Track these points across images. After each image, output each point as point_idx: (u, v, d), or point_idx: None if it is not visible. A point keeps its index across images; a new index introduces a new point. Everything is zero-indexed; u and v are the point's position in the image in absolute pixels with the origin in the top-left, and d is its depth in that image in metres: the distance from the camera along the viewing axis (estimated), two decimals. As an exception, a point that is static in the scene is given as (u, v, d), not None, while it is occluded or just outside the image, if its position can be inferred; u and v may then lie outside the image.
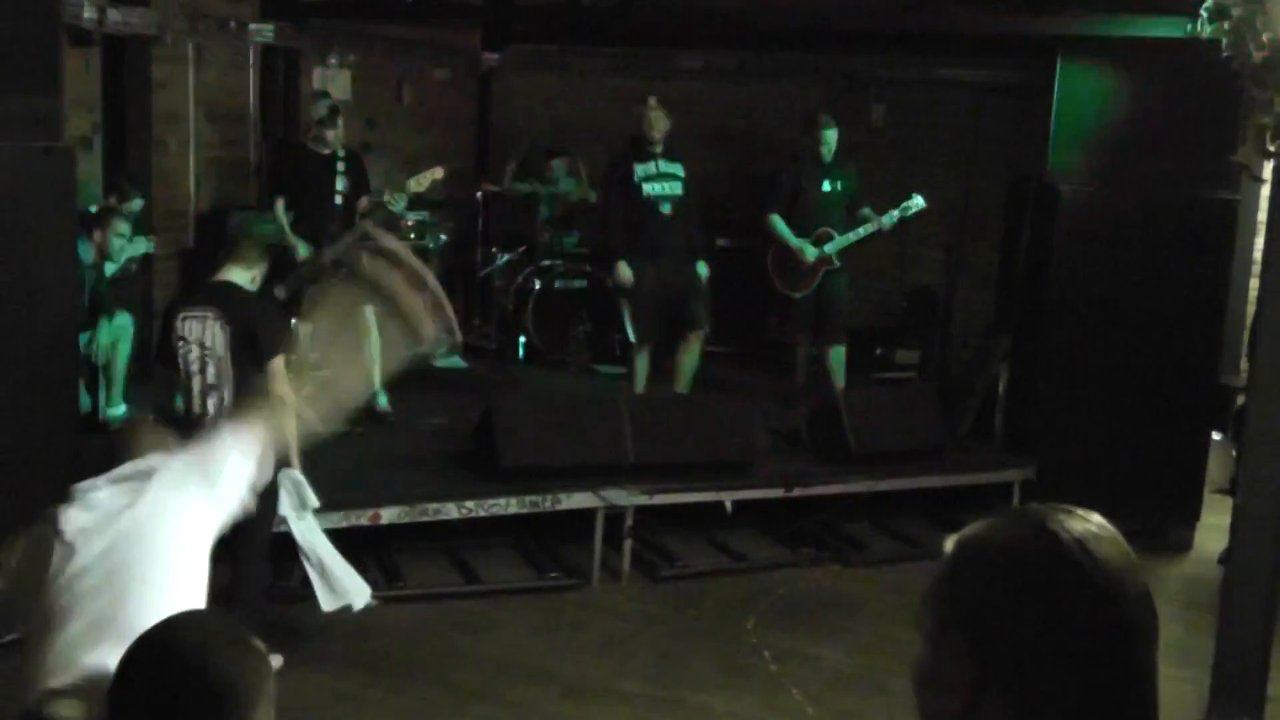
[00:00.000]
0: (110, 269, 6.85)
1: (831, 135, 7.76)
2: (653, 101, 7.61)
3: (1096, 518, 1.30)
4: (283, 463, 4.96)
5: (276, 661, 4.56)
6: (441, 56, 9.89)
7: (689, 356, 7.71)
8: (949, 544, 1.33)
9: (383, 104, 9.48)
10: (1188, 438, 7.33)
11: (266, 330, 5.17)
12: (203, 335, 5.13)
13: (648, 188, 7.52)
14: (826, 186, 7.81)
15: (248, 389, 5.12)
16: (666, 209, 7.55)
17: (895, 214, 7.69)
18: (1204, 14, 4.52)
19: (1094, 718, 1.22)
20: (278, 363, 5.15)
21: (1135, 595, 1.25)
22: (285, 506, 5.25)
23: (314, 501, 5.30)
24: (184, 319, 5.17)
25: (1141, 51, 6.93)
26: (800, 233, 7.81)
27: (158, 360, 5.59)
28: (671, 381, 7.72)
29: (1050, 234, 7.26)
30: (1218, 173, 6.66)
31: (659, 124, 7.53)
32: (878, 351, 9.40)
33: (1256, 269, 7.13)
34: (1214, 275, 7.24)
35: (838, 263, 7.85)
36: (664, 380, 7.77)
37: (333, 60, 8.96)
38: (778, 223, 7.84)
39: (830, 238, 7.79)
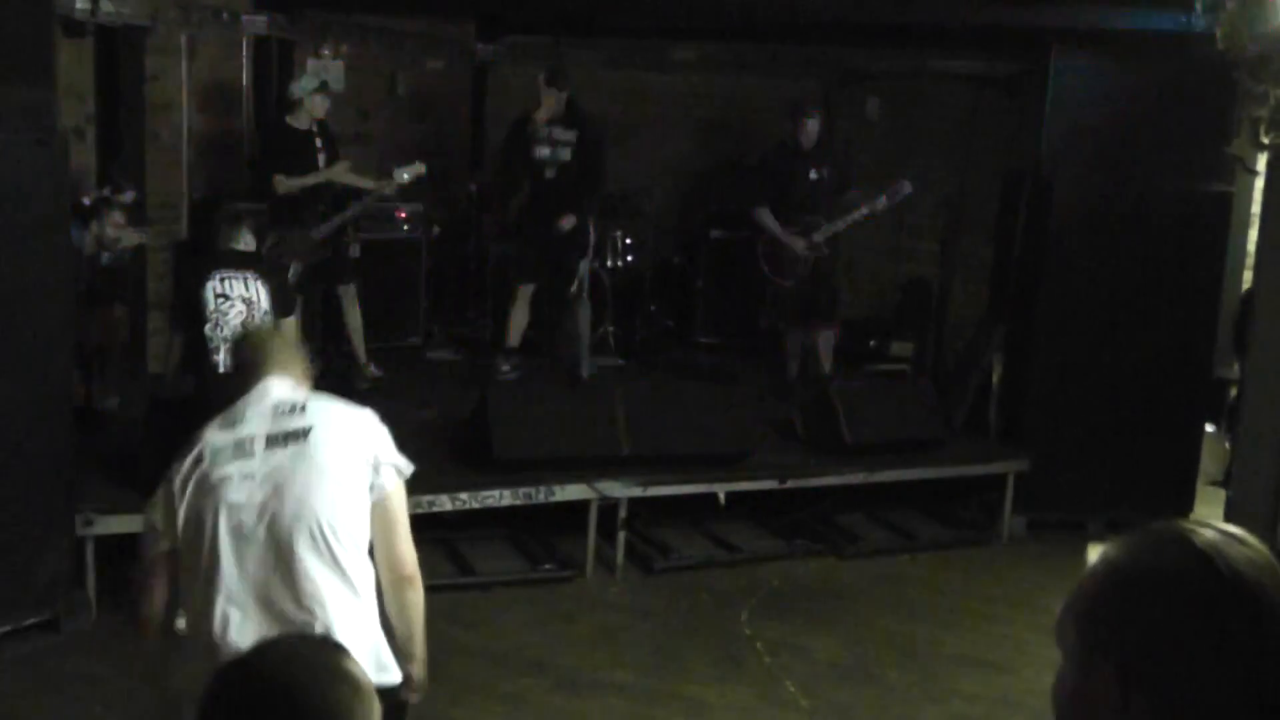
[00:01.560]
0: (105, 260, 6.85)
1: (813, 123, 7.79)
2: (541, 79, 7.82)
3: (1233, 529, 1.25)
4: None
5: None
6: (435, 48, 9.86)
7: (579, 312, 8.08)
8: (1093, 560, 1.29)
9: (376, 95, 9.45)
10: (1181, 430, 7.35)
11: (288, 288, 5.96)
12: (246, 291, 5.63)
13: (538, 150, 7.80)
14: (813, 175, 7.84)
15: None
16: (551, 173, 7.83)
17: (882, 199, 7.73)
18: (1199, 7, 4.53)
19: None
20: (292, 320, 5.88)
21: None
22: None
23: None
24: (222, 278, 5.65)
25: (1136, 44, 6.93)
26: (788, 222, 7.83)
27: (178, 321, 5.86)
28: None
29: (1044, 226, 7.26)
30: (1212, 165, 6.67)
31: (547, 102, 7.75)
32: (872, 343, 9.39)
33: (1251, 261, 7.14)
34: (1208, 268, 7.24)
35: (827, 250, 7.89)
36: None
37: (326, 51, 8.93)
38: (766, 216, 7.87)
39: (819, 226, 7.81)
